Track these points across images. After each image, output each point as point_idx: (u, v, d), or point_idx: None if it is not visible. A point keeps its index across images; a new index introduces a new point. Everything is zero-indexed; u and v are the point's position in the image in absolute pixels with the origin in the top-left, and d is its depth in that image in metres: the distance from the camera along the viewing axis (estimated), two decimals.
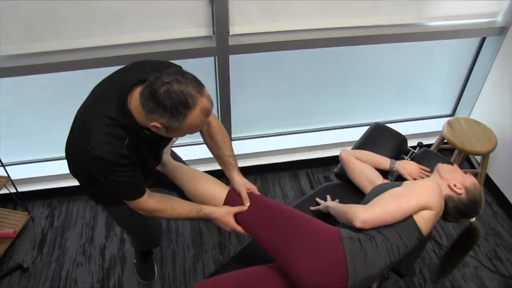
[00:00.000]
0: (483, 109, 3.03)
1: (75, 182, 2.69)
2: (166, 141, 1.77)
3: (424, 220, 1.67)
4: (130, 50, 2.26)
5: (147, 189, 1.64)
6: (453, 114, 3.33)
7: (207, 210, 1.71)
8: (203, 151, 2.84)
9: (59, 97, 2.54)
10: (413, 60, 2.95)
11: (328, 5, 2.37)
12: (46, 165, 2.81)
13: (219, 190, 1.81)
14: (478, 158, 3.01)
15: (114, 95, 1.47)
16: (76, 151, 1.55)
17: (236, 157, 1.88)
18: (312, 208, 2.10)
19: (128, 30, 2.22)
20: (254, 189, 1.81)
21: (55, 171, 2.76)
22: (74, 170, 1.70)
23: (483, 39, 2.89)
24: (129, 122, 1.45)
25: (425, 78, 3.07)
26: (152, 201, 1.64)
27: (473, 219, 1.78)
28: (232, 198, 1.77)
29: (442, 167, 1.86)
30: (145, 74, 1.45)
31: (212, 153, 1.87)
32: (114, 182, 1.53)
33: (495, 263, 2.58)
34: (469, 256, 2.59)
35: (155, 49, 2.28)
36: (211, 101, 1.41)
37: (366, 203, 1.75)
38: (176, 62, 2.33)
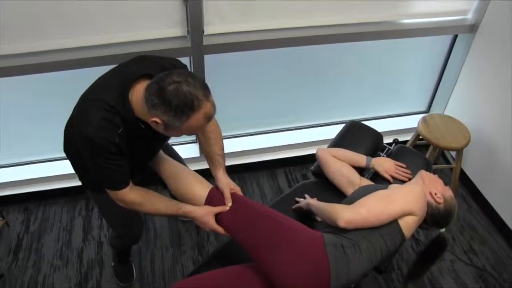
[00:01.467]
0: (457, 105, 3.08)
1: (51, 186, 2.73)
2: (162, 139, 1.77)
3: (408, 225, 1.69)
4: (103, 51, 2.23)
5: (130, 182, 1.64)
6: (428, 110, 3.38)
7: (187, 208, 1.71)
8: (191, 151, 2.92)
9: (32, 100, 2.50)
10: (387, 58, 2.98)
11: (302, 4, 2.38)
12: (20, 169, 2.76)
13: (200, 188, 1.79)
14: (453, 153, 3.06)
15: (117, 85, 1.50)
16: (72, 130, 1.60)
17: (225, 157, 1.88)
18: (293, 207, 2.09)
19: (102, 31, 2.19)
20: (237, 189, 1.80)
21: (30, 175, 2.72)
22: (68, 150, 1.74)
23: (455, 37, 2.94)
24: (127, 113, 1.48)
25: (400, 76, 3.11)
26: (132, 194, 1.64)
27: (443, 230, 1.82)
28: (214, 197, 1.75)
29: (425, 174, 1.89)
30: (150, 69, 1.51)
31: (202, 150, 1.88)
32: (100, 167, 1.54)
33: (470, 256, 2.64)
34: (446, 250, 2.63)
35: (129, 50, 2.25)
36: (214, 107, 1.45)
37: (348, 203, 1.74)
38: None
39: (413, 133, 2.93)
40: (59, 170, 2.76)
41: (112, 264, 2.45)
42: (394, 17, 2.61)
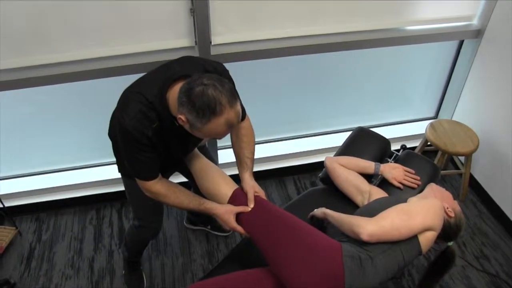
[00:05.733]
0: (465, 110, 3.08)
1: (63, 195, 2.77)
2: (195, 139, 1.79)
3: (427, 240, 1.69)
4: (112, 63, 2.27)
5: (159, 175, 1.71)
6: (436, 116, 3.37)
7: (209, 205, 1.77)
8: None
9: (44, 112, 2.54)
10: (394, 64, 2.99)
11: (307, 12, 2.40)
12: (33, 179, 2.80)
13: (225, 187, 1.84)
14: (462, 158, 3.05)
15: (158, 82, 1.56)
16: (113, 118, 1.73)
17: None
18: (309, 215, 2.06)
19: (110, 42, 2.23)
20: (262, 193, 1.84)
21: (42, 185, 2.76)
22: (111, 134, 1.81)
23: (461, 42, 2.94)
24: (163, 110, 1.54)
25: (407, 82, 3.11)
26: (159, 185, 1.71)
27: (451, 243, 1.82)
28: (238, 197, 1.80)
29: (436, 187, 1.90)
30: (191, 70, 1.57)
31: (233, 150, 1.94)
32: (131, 157, 1.63)
33: (482, 262, 2.61)
34: (456, 256, 2.61)
35: (138, 61, 2.29)
36: (238, 116, 1.49)
37: (365, 214, 1.73)
38: None
39: (421, 139, 2.93)
40: (71, 180, 2.80)
41: (123, 272, 2.47)
42: (399, 24, 2.63)
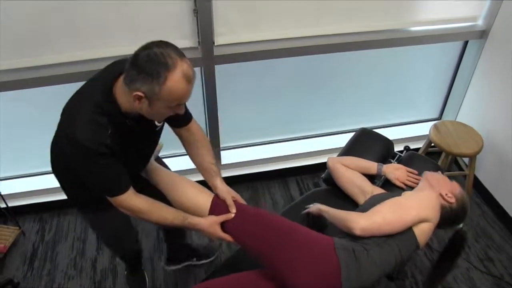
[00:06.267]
0: (469, 112, 3.06)
1: (66, 196, 2.76)
2: (151, 138, 1.74)
3: (423, 233, 1.67)
4: None
5: (132, 187, 1.60)
6: (440, 117, 3.36)
7: (193, 220, 1.68)
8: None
9: (48, 112, 2.54)
10: (398, 65, 2.98)
11: (311, 13, 2.40)
12: (36, 179, 2.81)
13: (203, 198, 1.76)
14: (466, 160, 3.03)
15: (100, 85, 1.49)
16: (59, 139, 1.56)
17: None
18: (303, 212, 2.06)
19: (113, 43, 2.24)
20: (238, 197, 1.79)
21: (46, 185, 2.77)
22: (57, 165, 1.70)
23: (466, 43, 2.93)
24: (113, 109, 1.46)
25: (411, 83, 3.10)
26: (138, 200, 1.60)
27: (461, 225, 1.80)
28: (218, 206, 1.74)
29: (430, 175, 1.88)
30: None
31: (193, 161, 1.85)
32: (96, 173, 1.50)
33: (487, 264, 2.59)
34: (460, 257, 2.60)
35: None
36: (192, 69, 1.40)
37: (362, 211, 1.73)
38: None
39: (424, 141, 2.91)
40: None
41: (125, 273, 2.47)
42: (403, 25, 2.62)
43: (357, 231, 1.60)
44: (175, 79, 1.35)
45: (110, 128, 1.45)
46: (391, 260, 1.63)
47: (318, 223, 1.93)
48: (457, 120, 3.16)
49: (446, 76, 3.13)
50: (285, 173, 3.05)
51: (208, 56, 2.37)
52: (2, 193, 2.52)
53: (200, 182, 1.84)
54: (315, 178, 3.08)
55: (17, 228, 2.65)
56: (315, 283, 1.56)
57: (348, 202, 2.06)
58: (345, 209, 1.78)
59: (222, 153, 2.90)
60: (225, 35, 2.37)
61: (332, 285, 1.56)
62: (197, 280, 2.46)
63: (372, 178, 2.13)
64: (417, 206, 1.69)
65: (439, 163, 2.83)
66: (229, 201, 1.73)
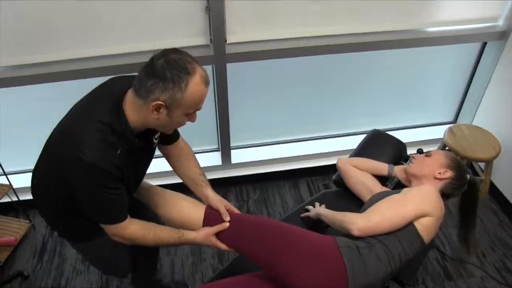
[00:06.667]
0: (486, 115, 2.99)
1: None
2: (150, 156, 1.68)
3: (425, 227, 1.65)
4: (126, 60, 2.28)
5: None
6: (455, 121, 3.29)
7: (189, 236, 1.63)
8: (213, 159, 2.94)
9: (60, 107, 2.55)
10: (413, 66, 2.93)
11: (326, 12, 2.37)
12: None
13: (196, 211, 1.71)
14: (482, 165, 2.96)
15: (107, 101, 1.43)
16: (58, 162, 1.42)
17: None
18: (302, 215, 2.07)
19: (125, 39, 2.24)
20: (231, 206, 1.74)
21: None
22: (44, 191, 1.58)
23: (484, 44, 2.86)
24: (124, 128, 1.41)
25: (425, 85, 3.04)
26: (133, 226, 1.53)
27: (468, 176, 1.85)
28: (211, 216, 1.70)
29: (411, 168, 1.91)
30: (129, 81, 1.45)
31: (181, 175, 1.79)
32: (100, 198, 1.42)
33: (504, 274, 2.51)
34: (475, 266, 2.54)
35: None
36: (206, 73, 1.41)
37: (364, 211, 1.72)
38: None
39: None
40: None
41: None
42: (420, 25, 2.57)
43: (355, 232, 1.60)
44: (196, 83, 1.35)
45: (120, 148, 1.41)
46: (396, 256, 1.61)
47: (318, 227, 1.91)
48: (473, 123, 3.09)
49: (462, 78, 3.06)
50: (295, 174, 3.02)
51: (220, 54, 2.36)
52: (14, 187, 2.54)
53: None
54: (326, 179, 3.05)
55: (28, 221, 2.67)
56: (322, 284, 1.54)
57: (357, 204, 2.02)
58: (354, 212, 1.76)
59: (232, 152, 2.89)
60: (237, 33, 2.35)
61: (338, 282, 1.54)
62: (204, 279, 2.46)
63: (383, 180, 2.09)
64: (414, 200, 1.68)
65: None
66: (222, 210, 1.69)
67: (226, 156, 2.87)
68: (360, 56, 2.67)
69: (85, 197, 1.44)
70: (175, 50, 1.37)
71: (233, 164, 2.90)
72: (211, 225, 1.67)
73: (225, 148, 2.82)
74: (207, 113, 2.75)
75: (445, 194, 1.81)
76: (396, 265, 1.62)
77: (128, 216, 1.52)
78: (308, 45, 2.44)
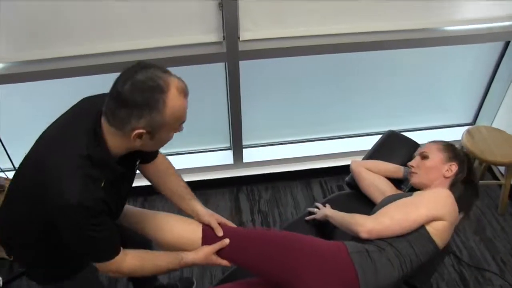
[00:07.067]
0: (506, 117, 2.90)
1: None
2: (132, 178, 1.53)
3: (438, 231, 1.61)
4: (137, 56, 2.24)
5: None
6: (473, 122, 3.21)
7: (188, 259, 1.53)
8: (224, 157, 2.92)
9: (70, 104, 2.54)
10: (430, 66, 2.86)
11: (341, 10, 2.32)
12: None
13: (193, 231, 1.61)
14: (502, 169, 2.88)
15: (83, 127, 1.28)
16: (40, 204, 1.27)
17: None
18: (306, 218, 2.02)
19: (136, 35, 2.21)
20: (223, 220, 1.66)
21: None
22: (20, 235, 1.43)
23: (507, 43, 2.76)
24: (104, 156, 1.27)
25: (443, 85, 2.97)
26: (129, 259, 1.41)
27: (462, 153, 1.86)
28: (209, 234, 1.60)
29: (416, 179, 1.84)
30: (99, 102, 1.29)
31: (165, 191, 1.66)
32: (92, 237, 1.29)
33: None
34: (494, 273, 2.46)
35: (164, 55, 2.26)
36: (182, 80, 1.25)
37: (374, 213, 1.69)
38: (186, 68, 2.33)
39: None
40: None
41: None
42: (439, 24, 2.49)
43: (364, 234, 1.57)
44: (173, 97, 1.20)
45: (103, 179, 1.27)
46: (407, 259, 1.57)
47: (326, 227, 1.87)
48: (493, 126, 3.00)
49: (482, 78, 2.98)
50: (308, 174, 2.97)
51: (233, 52, 2.32)
52: None
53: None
54: (340, 180, 3.00)
55: None
56: None
57: (370, 207, 1.97)
58: (366, 214, 1.72)
59: (245, 151, 2.85)
60: (251, 31, 2.30)
61: None
62: (213, 280, 2.42)
63: (398, 183, 2.04)
64: (427, 204, 1.63)
65: None
66: (214, 224, 1.60)
67: (238, 155, 2.84)
68: (376, 55, 2.61)
69: (73, 239, 1.32)
70: (139, 67, 1.20)
71: (245, 163, 2.86)
72: (210, 243, 1.58)
73: (237, 147, 2.78)
74: (219, 111, 2.72)
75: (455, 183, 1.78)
76: (408, 269, 1.58)
77: (121, 248, 1.40)
78: (323, 43, 2.39)
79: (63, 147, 1.28)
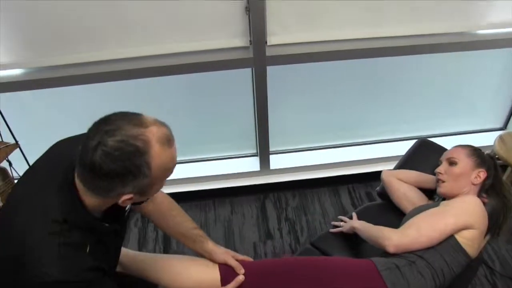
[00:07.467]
0: None
1: None
2: (125, 221, 1.37)
3: (468, 241, 1.55)
4: (163, 61, 2.23)
5: None
6: (505, 127, 3.13)
7: None
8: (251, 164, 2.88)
9: (85, 111, 2.53)
10: (460, 69, 2.79)
11: (368, 13, 2.26)
12: None
13: (210, 272, 1.51)
14: None
15: (55, 184, 1.10)
16: (18, 281, 1.06)
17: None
18: (332, 230, 1.98)
19: (162, 40, 2.19)
20: (237, 255, 1.55)
21: None
22: None
23: None
24: (83, 216, 1.10)
25: (472, 88, 2.91)
26: None
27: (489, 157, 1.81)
28: (228, 273, 1.50)
29: (445, 189, 1.76)
30: (72, 153, 1.09)
31: (172, 233, 1.55)
32: None
33: None
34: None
35: (190, 60, 2.23)
36: (162, 123, 1.07)
37: (401, 226, 1.64)
38: (212, 73, 2.31)
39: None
40: None
41: None
42: (471, 27, 2.42)
43: (391, 249, 1.53)
44: (159, 154, 1.02)
45: (88, 243, 1.10)
46: (439, 271, 1.52)
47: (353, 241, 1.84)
48: None
49: None
50: (336, 181, 2.92)
51: (260, 57, 2.28)
52: None
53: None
54: (368, 187, 2.94)
55: None
56: None
57: (401, 219, 1.92)
58: (397, 227, 1.67)
59: (271, 157, 2.82)
60: (278, 35, 2.26)
61: None
62: None
63: (431, 194, 1.97)
64: (454, 213, 1.58)
65: (504, 178, 2.60)
66: (233, 263, 1.49)
67: (265, 161, 2.80)
68: (406, 59, 2.55)
69: None
70: (105, 125, 1.01)
71: (272, 170, 2.82)
72: (230, 281, 1.49)
73: (263, 153, 2.74)
74: (246, 116, 2.68)
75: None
76: (441, 281, 1.53)
77: None
78: (351, 48, 2.33)
79: (36, 213, 1.08)
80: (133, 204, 1.30)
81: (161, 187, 1.14)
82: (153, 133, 1.02)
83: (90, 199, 1.08)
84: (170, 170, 1.09)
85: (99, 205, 1.11)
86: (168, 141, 1.05)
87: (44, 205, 1.08)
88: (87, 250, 1.09)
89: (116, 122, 1.01)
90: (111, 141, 0.97)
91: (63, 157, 1.14)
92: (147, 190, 1.08)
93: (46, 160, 1.22)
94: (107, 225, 1.16)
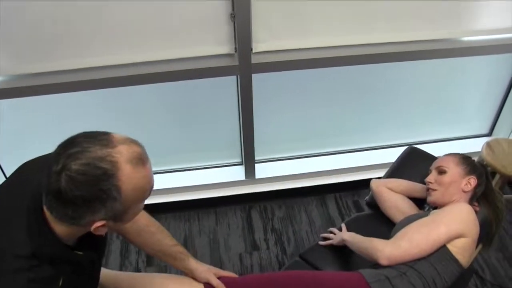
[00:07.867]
0: None
1: None
2: (103, 242, 1.29)
3: (460, 249, 1.54)
4: (145, 69, 2.17)
5: None
6: (490, 133, 3.14)
7: None
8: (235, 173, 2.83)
9: (76, 118, 2.46)
10: (446, 76, 2.79)
11: (358, 21, 2.25)
12: None
13: None
14: None
15: (19, 214, 1.02)
16: None
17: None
18: (321, 243, 1.94)
19: (145, 48, 2.13)
20: (221, 271, 1.53)
21: None
22: None
23: None
24: (54, 247, 1.02)
25: (458, 94, 2.91)
26: None
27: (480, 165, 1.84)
28: None
29: (435, 198, 1.76)
30: (32, 179, 1.05)
31: (148, 251, 1.49)
32: None
33: None
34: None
35: (173, 68, 2.18)
36: (132, 141, 0.99)
37: (392, 237, 1.62)
38: (196, 81, 2.26)
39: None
40: None
41: None
42: (457, 34, 2.41)
43: (383, 261, 1.51)
44: (129, 177, 0.94)
45: (60, 276, 1.03)
46: (430, 281, 1.50)
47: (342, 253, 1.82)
48: (511, 137, 2.92)
49: (500, 88, 2.91)
50: (323, 189, 2.89)
51: (245, 64, 2.23)
52: None
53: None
54: (355, 195, 2.91)
55: None
56: None
57: (392, 229, 1.89)
58: (387, 238, 1.65)
59: (257, 166, 2.78)
60: (264, 42, 2.22)
61: None
62: None
63: (421, 203, 1.96)
64: (446, 221, 1.57)
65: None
66: (215, 282, 1.46)
67: (250, 171, 2.75)
68: (391, 66, 2.53)
69: None
70: (69, 147, 0.93)
71: (257, 179, 2.78)
72: None
73: (249, 162, 2.70)
74: (230, 124, 2.64)
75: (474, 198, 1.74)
76: None
77: None
78: (339, 55, 2.31)
79: None
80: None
81: (139, 210, 1.06)
82: (121, 153, 0.94)
83: (60, 228, 1.00)
84: (145, 192, 1.01)
85: (72, 233, 1.03)
86: (140, 160, 0.97)
87: (10, 239, 0.99)
88: (60, 284, 1.02)
89: (81, 143, 0.93)
90: (75, 165, 0.90)
91: (29, 182, 1.05)
92: (122, 215, 1.00)
93: (11, 186, 1.13)
94: (81, 253, 1.08)
